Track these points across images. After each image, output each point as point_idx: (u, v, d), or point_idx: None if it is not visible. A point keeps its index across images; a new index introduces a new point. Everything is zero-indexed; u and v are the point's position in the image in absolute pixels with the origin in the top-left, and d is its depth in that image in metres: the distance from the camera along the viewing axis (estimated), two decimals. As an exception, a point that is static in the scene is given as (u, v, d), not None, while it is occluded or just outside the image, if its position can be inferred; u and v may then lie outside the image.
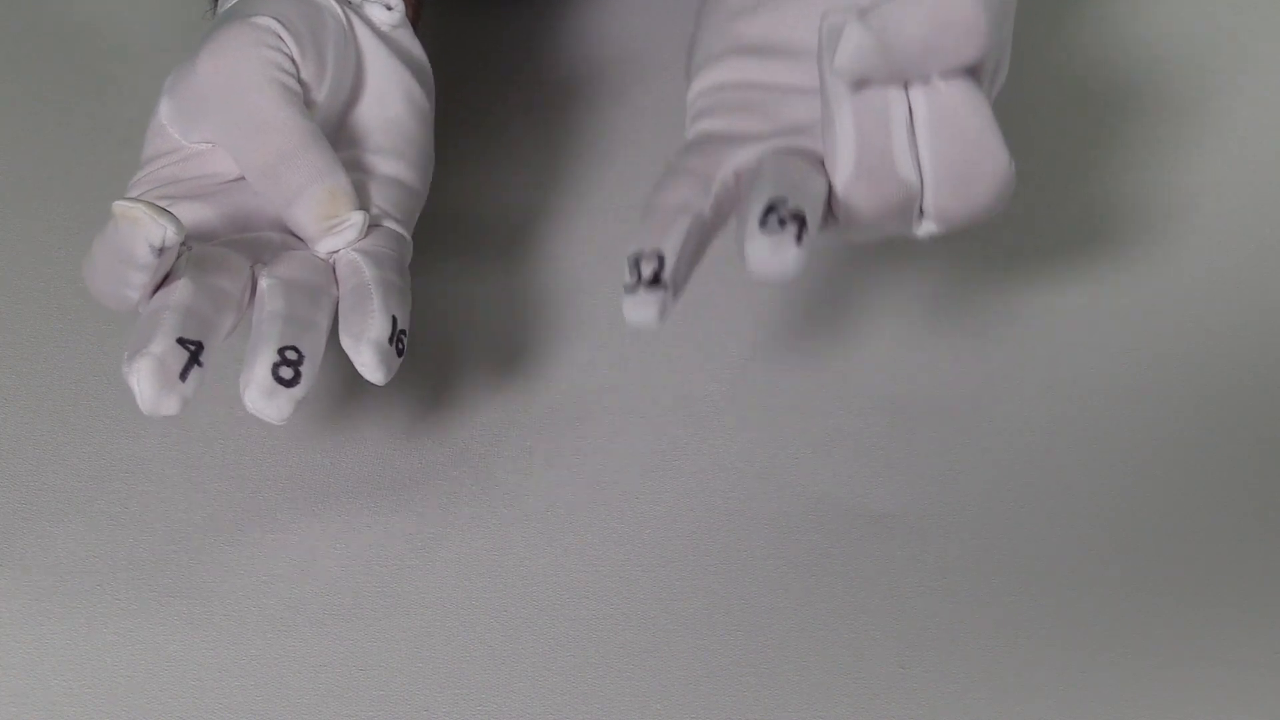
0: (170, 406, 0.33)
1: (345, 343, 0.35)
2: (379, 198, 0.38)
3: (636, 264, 0.33)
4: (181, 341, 0.33)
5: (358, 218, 0.37)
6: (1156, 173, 0.49)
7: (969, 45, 0.32)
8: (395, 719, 0.36)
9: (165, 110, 0.38)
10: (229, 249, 0.36)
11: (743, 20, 0.38)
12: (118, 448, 0.42)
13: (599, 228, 0.48)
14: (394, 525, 0.40)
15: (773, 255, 0.32)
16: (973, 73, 0.34)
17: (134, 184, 0.38)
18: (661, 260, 0.33)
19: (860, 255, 0.46)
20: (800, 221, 0.32)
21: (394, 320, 0.35)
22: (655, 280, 0.33)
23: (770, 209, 0.32)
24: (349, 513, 0.40)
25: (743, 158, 0.35)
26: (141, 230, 0.32)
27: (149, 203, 0.32)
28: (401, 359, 0.36)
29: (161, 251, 0.33)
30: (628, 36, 0.54)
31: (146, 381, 0.32)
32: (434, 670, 0.37)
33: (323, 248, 0.37)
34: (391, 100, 0.40)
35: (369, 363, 0.35)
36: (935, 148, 0.33)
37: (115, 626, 0.38)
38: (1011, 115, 0.35)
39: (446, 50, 0.53)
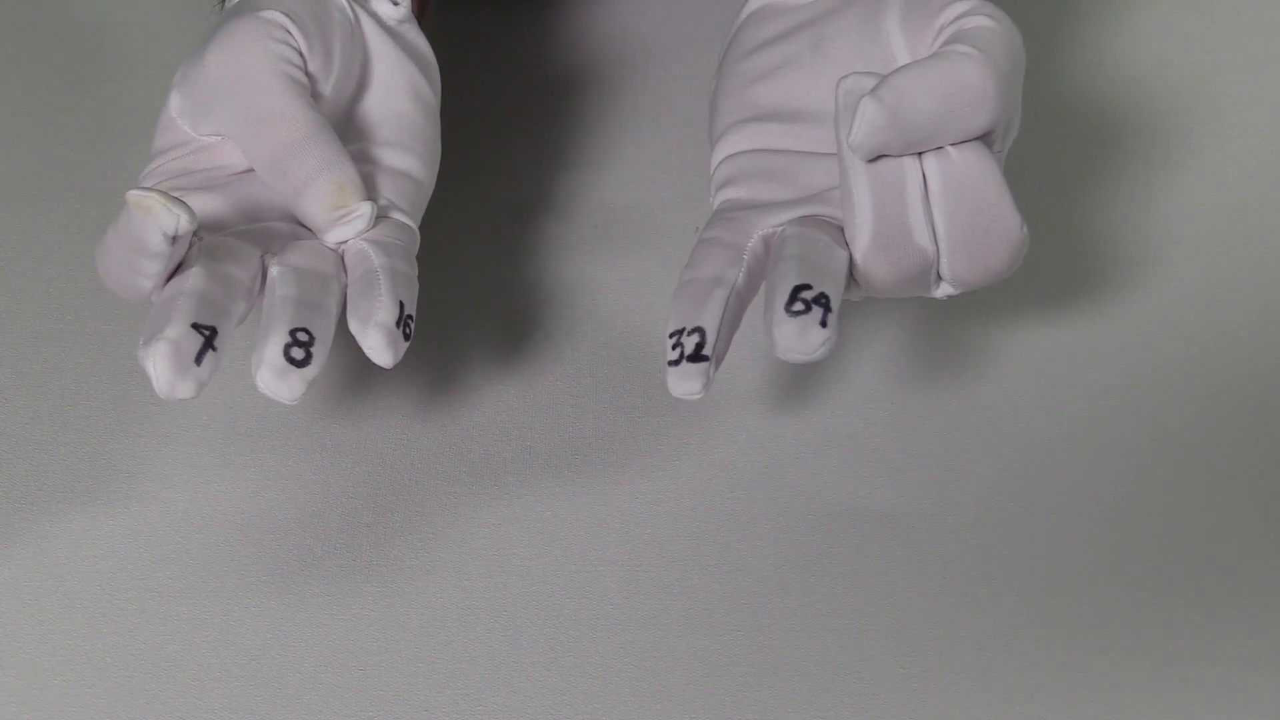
0: (186, 390, 0.33)
1: (353, 326, 0.35)
2: (387, 190, 0.39)
3: (679, 340, 0.34)
4: (196, 326, 0.33)
5: (366, 208, 0.37)
6: (1152, 179, 0.49)
7: (980, 114, 0.34)
8: (395, 719, 0.36)
9: (175, 104, 0.38)
10: (239, 239, 0.36)
11: (760, 86, 0.39)
12: (118, 448, 0.42)
13: (601, 224, 0.48)
14: (393, 525, 0.40)
15: (800, 339, 0.33)
16: (985, 138, 0.34)
17: (145, 176, 0.39)
18: (703, 335, 0.34)
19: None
20: (825, 305, 0.33)
21: (401, 305, 0.36)
22: (698, 354, 0.34)
23: (795, 293, 0.33)
24: (349, 513, 0.40)
25: (769, 225, 0.36)
26: (155, 219, 0.32)
27: (162, 192, 0.33)
28: (408, 344, 0.36)
29: (174, 240, 0.33)
30: (630, 33, 0.54)
31: (162, 365, 0.33)
32: (434, 670, 0.37)
33: (331, 238, 0.37)
34: (398, 94, 0.40)
35: (376, 345, 0.35)
36: (949, 216, 0.34)
37: (115, 626, 0.38)
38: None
39: (454, 46, 0.53)
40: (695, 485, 0.41)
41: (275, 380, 0.34)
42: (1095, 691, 0.36)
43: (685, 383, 0.34)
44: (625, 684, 0.37)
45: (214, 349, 0.33)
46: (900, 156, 0.34)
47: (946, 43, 0.35)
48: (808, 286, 0.33)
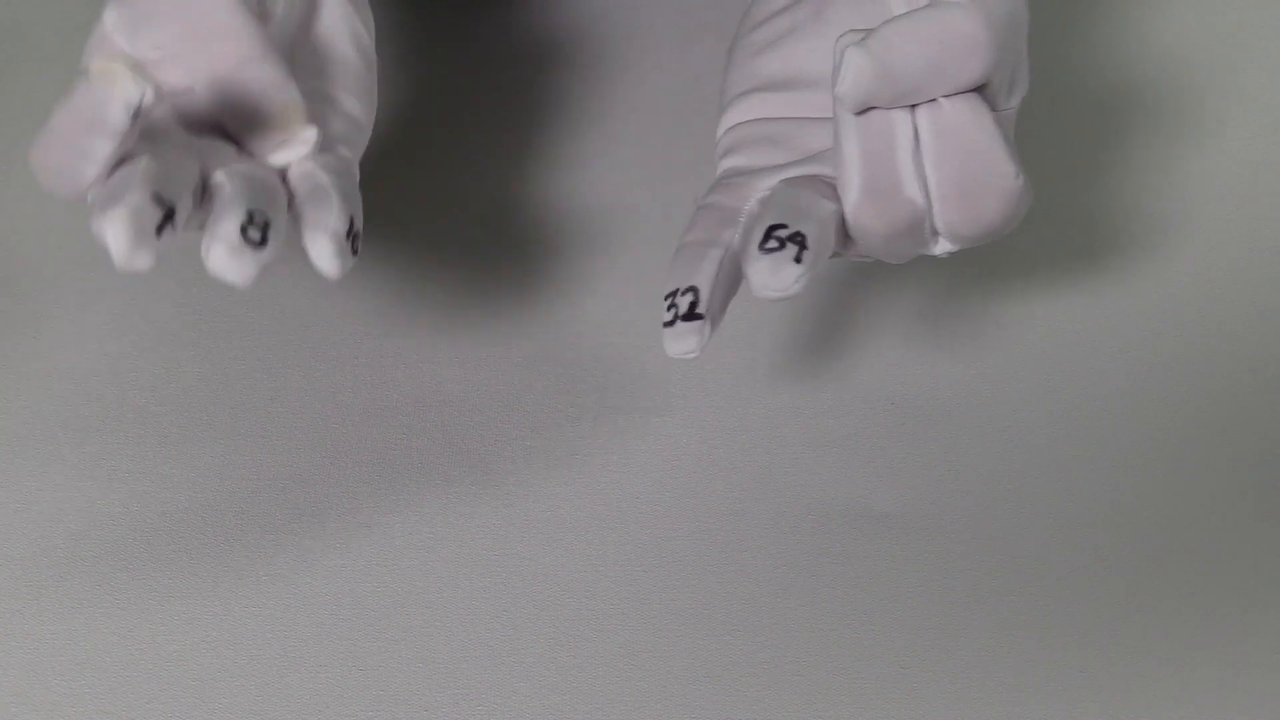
0: (144, 260, 0.31)
1: (304, 236, 0.34)
2: (332, 125, 0.38)
3: (674, 301, 0.34)
4: (156, 198, 0.31)
5: (310, 133, 0.36)
6: (1155, 174, 0.49)
7: (972, 64, 0.33)
8: (395, 719, 0.36)
9: (110, 18, 0.37)
10: (180, 150, 0.35)
11: (764, 56, 0.39)
12: (118, 448, 0.42)
13: (600, 223, 0.48)
14: (394, 525, 0.40)
15: (772, 274, 0.33)
16: (980, 91, 0.34)
17: None
18: (697, 293, 0.34)
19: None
20: (800, 243, 0.33)
21: (351, 220, 0.34)
22: (692, 313, 0.34)
23: (770, 231, 0.33)
24: (349, 512, 0.40)
25: (765, 188, 0.36)
26: (119, 89, 0.31)
27: (128, 61, 0.31)
28: (355, 259, 0.35)
29: (136, 116, 0.31)
30: (632, 31, 0.54)
31: (122, 232, 0.31)
32: (434, 670, 0.37)
33: (275, 160, 0.36)
34: (340, 38, 0.39)
35: (326, 252, 0.33)
36: (939, 166, 0.34)
37: (115, 626, 0.38)
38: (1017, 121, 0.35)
39: (451, 41, 0.53)
40: (695, 485, 0.41)
41: (229, 257, 0.32)
42: (1095, 691, 0.36)
43: (680, 342, 0.34)
44: (625, 684, 0.37)
45: (173, 225, 0.32)
46: (890, 109, 0.33)
47: None
48: (783, 225, 0.33)
